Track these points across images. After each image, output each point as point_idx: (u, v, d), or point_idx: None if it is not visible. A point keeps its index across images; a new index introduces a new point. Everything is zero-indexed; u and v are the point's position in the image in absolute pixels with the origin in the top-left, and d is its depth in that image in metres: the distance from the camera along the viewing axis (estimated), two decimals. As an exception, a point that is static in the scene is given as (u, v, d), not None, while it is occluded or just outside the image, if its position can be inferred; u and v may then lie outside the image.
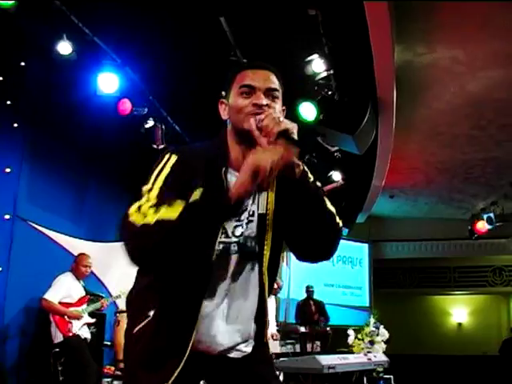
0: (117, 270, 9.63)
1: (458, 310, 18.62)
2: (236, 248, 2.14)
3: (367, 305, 14.49)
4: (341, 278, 13.85)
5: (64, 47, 6.07)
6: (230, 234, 2.13)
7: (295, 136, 1.98)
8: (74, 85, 6.92)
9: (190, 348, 2.06)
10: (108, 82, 6.66)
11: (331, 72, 6.33)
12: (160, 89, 7.54)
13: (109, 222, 9.13)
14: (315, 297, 10.84)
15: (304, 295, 10.85)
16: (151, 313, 2.12)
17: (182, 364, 2.05)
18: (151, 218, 1.90)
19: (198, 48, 6.68)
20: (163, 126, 8.03)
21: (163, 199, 1.96)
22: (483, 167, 10.16)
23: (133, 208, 1.98)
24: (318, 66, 6.28)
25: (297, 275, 11.98)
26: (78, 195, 8.62)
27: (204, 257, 2.05)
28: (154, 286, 2.18)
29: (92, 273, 7.54)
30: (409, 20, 5.81)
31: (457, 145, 9.11)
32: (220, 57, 6.58)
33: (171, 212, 1.89)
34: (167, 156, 2.13)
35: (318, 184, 2.17)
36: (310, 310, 10.40)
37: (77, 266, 7.09)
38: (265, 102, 2.09)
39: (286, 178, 2.03)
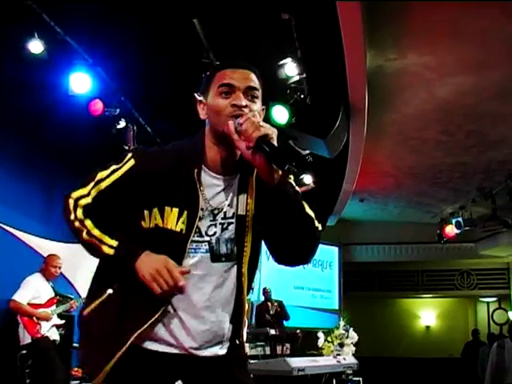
0: (86, 271, 9.55)
1: (426, 313, 18.80)
2: (207, 247, 2.13)
3: (337, 307, 14.57)
4: (311, 281, 13.89)
5: (35, 46, 6.01)
6: (204, 234, 2.13)
7: (274, 142, 1.97)
8: (45, 84, 6.86)
9: (134, 336, 2.04)
10: (80, 82, 6.62)
11: (304, 76, 6.37)
12: (132, 90, 7.51)
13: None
14: (274, 297, 10.85)
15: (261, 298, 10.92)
16: (110, 290, 2.12)
17: (118, 355, 2.03)
18: (78, 222, 2.14)
19: (170, 49, 6.67)
20: (135, 127, 8.01)
21: (98, 206, 2.15)
22: (451, 172, 10.28)
23: (76, 193, 2.21)
24: (290, 69, 6.31)
25: (267, 278, 12.00)
26: (47, 196, 8.55)
27: (174, 254, 2.05)
28: (106, 269, 2.24)
29: (61, 274, 7.48)
30: (380, 26, 5.87)
31: (426, 150, 9.21)
32: (193, 59, 6.57)
33: (107, 239, 2.09)
34: (127, 158, 2.18)
35: (297, 188, 2.16)
36: (269, 311, 10.41)
37: (46, 266, 7.03)
38: (244, 102, 2.07)
39: (264, 182, 2.03)
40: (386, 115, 7.95)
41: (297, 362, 5.88)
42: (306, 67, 6.30)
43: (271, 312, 10.38)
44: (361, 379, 8.61)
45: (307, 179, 9.59)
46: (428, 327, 18.75)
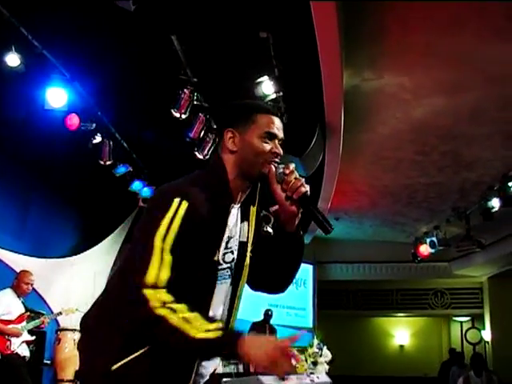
0: (59, 287, 9.48)
1: (400, 332, 18.86)
2: (229, 273, 2.21)
3: (311, 326, 14.54)
4: (285, 299, 13.86)
5: (12, 59, 5.99)
6: (222, 262, 2.17)
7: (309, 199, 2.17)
8: (21, 98, 6.84)
9: None
10: (56, 97, 6.60)
11: (280, 94, 6.40)
12: (109, 105, 7.51)
13: (52, 238, 9.00)
14: (271, 322, 10.96)
15: (260, 317, 10.94)
16: (145, 348, 2.03)
17: None
18: (174, 322, 1.91)
19: (148, 65, 6.68)
20: (111, 142, 7.99)
21: (170, 282, 1.97)
22: (426, 192, 10.35)
23: (149, 277, 1.95)
24: (267, 87, 6.34)
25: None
26: (21, 210, 8.47)
27: (210, 282, 2.14)
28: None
29: (33, 289, 7.39)
30: (357, 46, 5.92)
31: (401, 169, 9.28)
32: (170, 75, 6.59)
33: (194, 330, 1.91)
34: (177, 201, 2.03)
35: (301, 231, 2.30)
36: (265, 334, 10.40)
37: (18, 283, 6.94)
38: (281, 152, 2.21)
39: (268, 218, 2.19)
40: (362, 135, 8.00)
41: (270, 380, 5.84)
42: (283, 85, 6.33)
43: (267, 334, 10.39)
44: (334, 398, 8.60)
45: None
46: (402, 346, 18.79)
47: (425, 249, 11.75)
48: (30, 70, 6.25)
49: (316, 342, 8.11)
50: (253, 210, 2.32)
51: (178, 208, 2.01)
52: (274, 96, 6.37)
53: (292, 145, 6.59)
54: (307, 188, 2.14)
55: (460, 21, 5.46)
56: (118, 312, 2.05)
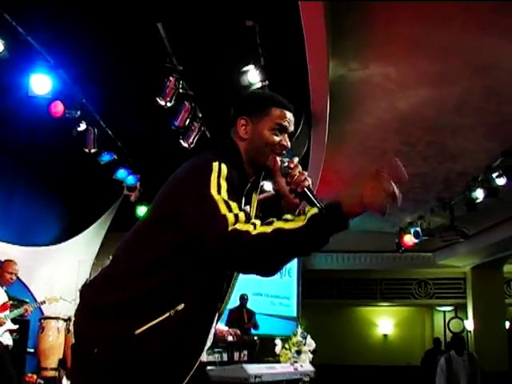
0: (43, 275, 9.45)
1: (384, 322, 18.97)
2: None
3: (295, 315, 14.58)
4: (269, 288, 13.89)
5: (-4, 45, 5.94)
6: None
7: (314, 191, 2.21)
8: (4, 85, 6.78)
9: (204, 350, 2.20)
10: (40, 84, 6.55)
11: (266, 83, 6.38)
12: (94, 92, 7.45)
13: (37, 227, 8.96)
14: (248, 306, 10.91)
15: (236, 303, 10.88)
16: (176, 308, 2.07)
17: (194, 368, 2.17)
18: (265, 228, 1.95)
19: (133, 53, 6.64)
20: (96, 130, 7.94)
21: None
22: (411, 182, 10.38)
23: (229, 219, 1.96)
24: (253, 76, 6.32)
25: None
26: (5, 198, 8.41)
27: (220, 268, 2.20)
28: (172, 285, 2.10)
29: (17, 278, 7.35)
30: (343, 36, 5.92)
31: (386, 160, 9.29)
32: (155, 63, 6.55)
33: (291, 224, 1.96)
34: (217, 165, 2.11)
35: None
36: (243, 318, 10.42)
37: (2, 272, 6.90)
38: (289, 145, 2.33)
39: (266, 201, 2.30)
40: (347, 124, 8.01)
41: (254, 369, 5.86)
42: (269, 75, 6.31)
43: (245, 319, 10.41)
44: (318, 387, 8.65)
45: (267, 186, 9.57)
46: (385, 335, 18.91)
47: (409, 239, 11.80)
48: (14, 56, 6.19)
49: (300, 330, 8.15)
50: (254, 196, 2.42)
51: (220, 169, 2.10)
52: (259, 85, 6.36)
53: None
54: (310, 182, 2.22)
55: (446, 13, 5.47)
56: (142, 275, 2.09)
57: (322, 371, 8.05)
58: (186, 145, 7.70)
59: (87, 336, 2.12)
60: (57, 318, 8.60)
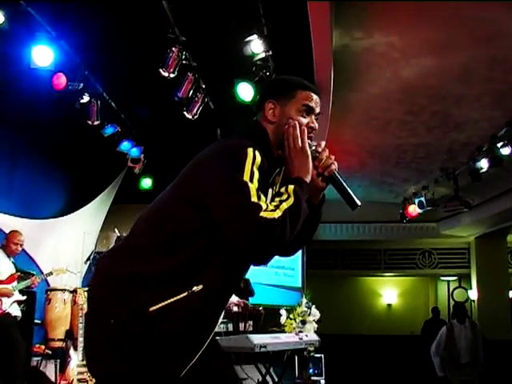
0: (48, 247, 9.49)
1: (388, 292, 19.05)
2: None
3: (299, 285, 14.64)
4: (274, 259, 13.92)
5: (-4, 17, 5.90)
6: None
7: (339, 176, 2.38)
8: (6, 57, 6.75)
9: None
10: (42, 55, 6.52)
11: (270, 53, 6.35)
12: (96, 64, 7.43)
13: (41, 199, 8.98)
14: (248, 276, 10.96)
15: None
16: (193, 288, 2.10)
17: (206, 344, 2.22)
18: (279, 212, 2.05)
19: (136, 24, 6.59)
20: (99, 102, 7.92)
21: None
22: (415, 152, 10.37)
23: (266, 214, 2.03)
24: (256, 46, 6.28)
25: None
26: (9, 171, 8.43)
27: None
28: (190, 266, 2.13)
29: (23, 250, 7.40)
30: (347, 5, 5.87)
31: (389, 130, 9.27)
32: (158, 34, 6.51)
33: (288, 201, 2.10)
34: (251, 152, 2.13)
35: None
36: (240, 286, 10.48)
37: (8, 243, 6.95)
38: (317, 127, 2.43)
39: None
40: (351, 94, 7.98)
41: (259, 339, 5.89)
42: (272, 45, 6.28)
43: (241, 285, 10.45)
44: (322, 356, 8.72)
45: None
46: (390, 305, 19.00)
47: (413, 209, 11.80)
48: (15, 27, 6.16)
49: (305, 301, 8.19)
50: (277, 178, 2.43)
51: (255, 156, 2.13)
52: (263, 55, 6.32)
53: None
54: (336, 166, 2.35)
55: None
56: (161, 252, 2.12)
57: (327, 341, 8.09)
58: (189, 116, 7.68)
59: (103, 306, 2.15)
60: (63, 290, 8.66)
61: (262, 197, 2.07)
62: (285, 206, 2.07)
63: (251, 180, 2.06)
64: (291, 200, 2.10)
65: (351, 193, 2.37)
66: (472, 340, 8.55)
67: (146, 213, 2.32)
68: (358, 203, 2.37)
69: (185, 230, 2.13)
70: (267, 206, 2.04)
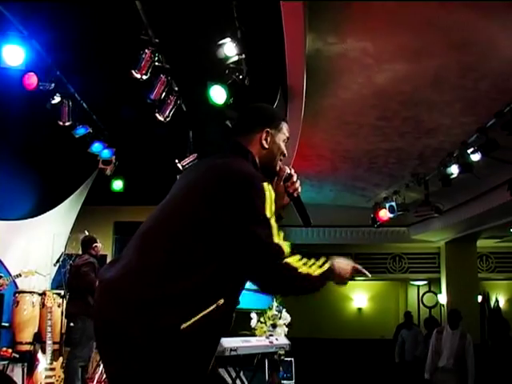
0: (17, 249, 9.38)
1: (359, 296, 19.17)
2: None
3: (271, 289, 14.61)
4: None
5: (-34, 16, 5.81)
6: None
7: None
8: (-24, 56, 6.64)
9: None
10: (13, 55, 6.42)
11: (243, 57, 6.34)
12: (68, 64, 7.35)
13: (10, 200, 8.86)
14: None
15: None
16: (218, 302, 2.25)
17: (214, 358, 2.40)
18: (317, 270, 2.47)
19: (109, 25, 6.54)
20: (70, 103, 7.85)
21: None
22: (387, 157, 10.44)
23: (293, 260, 2.37)
24: (229, 49, 6.27)
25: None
26: (-22, 172, 8.31)
27: None
28: (214, 282, 2.27)
29: (-9, 252, 7.31)
30: (320, 10, 5.88)
31: (362, 134, 9.32)
32: (131, 35, 6.47)
33: (315, 270, 2.46)
34: (267, 186, 2.40)
35: None
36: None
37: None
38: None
39: None
40: (324, 99, 8.00)
41: (229, 342, 5.89)
42: (246, 48, 6.27)
43: None
44: (293, 360, 8.74)
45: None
46: (360, 309, 19.12)
47: (384, 213, 11.86)
48: (-14, 26, 6.08)
49: (275, 304, 8.20)
50: None
51: (270, 192, 2.40)
52: (236, 58, 6.31)
53: (254, 108, 6.55)
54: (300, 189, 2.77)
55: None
56: (187, 270, 2.23)
57: (297, 344, 8.11)
58: (161, 118, 7.65)
59: (131, 330, 2.18)
60: (31, 292, 8.57)
61: (280, 233, 2.37)
62: (314, 268, 2.44)
63: (271, 216, 2.34)
64: (320, 270, 2.48)
65: (308, 212, 2.84)
66: (457, 348, 8.58)
67: (155, 229, 2.41)
68: (311, 222, 2.87)
69: (206, 250, 2.26)
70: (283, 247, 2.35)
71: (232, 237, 2.28)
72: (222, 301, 2.25)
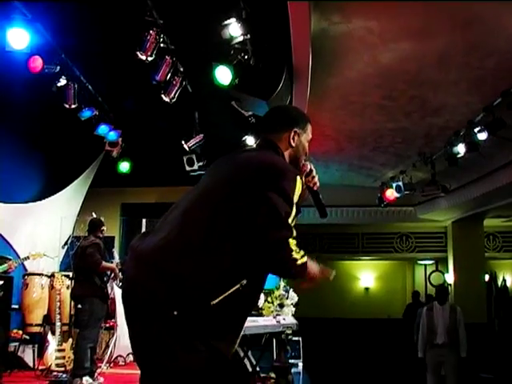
0: (25, 232, 9.44)
1: (366, 275, 19.23)
2: None
3: (278, 269, 14.66)
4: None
5: (-30, -1, 5.81)
6: None
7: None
8: (-20, 39, 6.65)
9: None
10: (18, 38, 6.42)
11: (248, 37, 6.31)
12: (73, 47, 7.34)
13: (17, 183, 8.91)
14: None
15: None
16: (243, 282, 2.44)
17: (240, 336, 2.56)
18: (300, 260, 2.54)
19: (113, 7, 6.52)
20: (76, 86, 7.85)
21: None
22: (393, 137, 10.40)
23: (293, 242, 2.50)
24: (234, 30, 6.25)
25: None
26: (-15, 155, 8.34)
27: None
28: (241, 263, 2.47)
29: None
30: (325, -12, 5.85)
31: (367, 114, 9.29)
32: (136, 17, 6.46)
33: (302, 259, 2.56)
34: (299, 180, 2.61)
35: None
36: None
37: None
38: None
39: None
40: (329, 79, 7.97)
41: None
42: (251, 28, 6.24)
43: None
44: (300, 339, 8.79)
45: (250, 141, 9.59)
46: (367, 289, 19.18)
47: (391, 193, 11.86)
48: (-10, 10, 6.07)
49: (282, 284, 8.22)
50: None
51: (300, 185, 2.60)
52: (241, 39, 6.29)
53: (260, 88, 6.55)
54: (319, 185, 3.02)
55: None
56: (218, 250, 2.43)
57: (305, 324, 8.15)
58: (167, 99, 7.65)
59: (162, 300, 2.35)
60: (40, 275, 8.64)
61: (293, 223, 2.55)
62: (299, 256, 2.53)
63: (293, 205, 2.54)
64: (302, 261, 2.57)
65: (324, 204, 3.06)
66: (450, 322, 8.65)
67: (194, 210, 2.58)
68: (326, 214, 3.06)
69: (235, 234, 2.45)
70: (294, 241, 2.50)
71: (257, 214, 2.45)
72: (244, 281, 2.43)
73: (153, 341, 2.38)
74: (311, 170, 3.00)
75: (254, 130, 9.29)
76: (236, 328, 2.53)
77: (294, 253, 2.47)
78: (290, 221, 2.51)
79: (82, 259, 7.41)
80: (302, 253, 2.53)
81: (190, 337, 2.34)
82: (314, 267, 2.72)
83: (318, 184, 3.02)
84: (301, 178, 2.70)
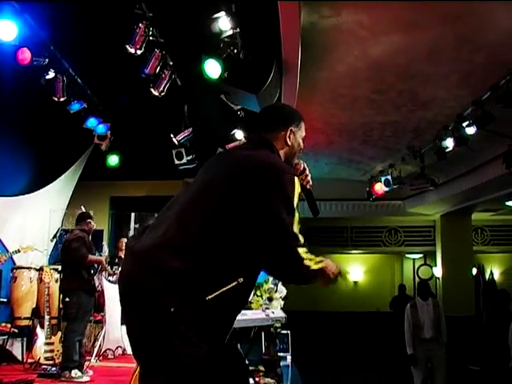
0: (14, 225, 9.40)
1: (355, 269, 19.27)
2: None
3: (267, 262, 14.68)
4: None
5: (-43, -10, 5.76)
6: None
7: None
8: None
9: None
10: (6, 30, 6.38)
11: (237, 30, 6.31)
12: (62, 39, 7.31)
13: (6, 176, 8.86)
14: None
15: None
16: (239, 280, 2.49)
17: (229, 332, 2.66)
18: (315, 266, 2.67)
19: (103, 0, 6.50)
20: (64, 78, 7.82)
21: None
22: (382, 130, 10.42)
23: (302, 251, 2.62)
24: (224, 23, 6.24)
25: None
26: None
27: None
28: (236, 263, 2.53)
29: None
30: (315, -18, 5.85)
31: (357, 107, 9.29)
32: (125, 9, 6.43)
33: (314, 265, 2.68)
34: (297, 181, 2.66)
35: None
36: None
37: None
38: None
39: None
40: (319, 72, 7.97)
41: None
42: (240, 22, 6.23)
43: None
44: (289, 332, 8.79)
45: (239, 135, 9.58)
46: (356, 282, 19.23)
47: (380, 187, 11.88)
48: (-23, 1, 6.03)
49: (271, 278, 8.23)
50: None
51: (298, 184, 2.64)
52: (230, 32, 6.28)
53: (249, 81, 6.54)
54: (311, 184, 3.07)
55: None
56: (216, 247, 2.48)
57: (293, 317, 8.16)
58: (156, 93, 7.63)
59: (160, 295, 2.39)
60: (29, 268, 8.61)
61: (299, 225, 2.61)
62: (313, 263, 2.65)
63: (295, 208, 2.60)
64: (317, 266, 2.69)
65: (316, 203, 3.14)
66: (435, 317, 8.75)
67: (193, 206, 2.61)
68: (319, 212, 3.15)
69: (234, 232, 2.51)
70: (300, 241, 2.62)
71: (258, 221, 2.51)
72: (241, 279, 2.48)
73: (151, 336, 2.42)
74: (304, 169, 3.06)
75: (244, 125, 9.28)
76: (228, 322, 2.60)
77: (305, 261, 2.59)
78: (294, 228, 2.58)
79: (68, 253, 7.38)
80: (314, 258, 2.64)
81: (186, 331, 2.38)
82: (331, 266, 2.80)
83: (310, 182, 3.08)
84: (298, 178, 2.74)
